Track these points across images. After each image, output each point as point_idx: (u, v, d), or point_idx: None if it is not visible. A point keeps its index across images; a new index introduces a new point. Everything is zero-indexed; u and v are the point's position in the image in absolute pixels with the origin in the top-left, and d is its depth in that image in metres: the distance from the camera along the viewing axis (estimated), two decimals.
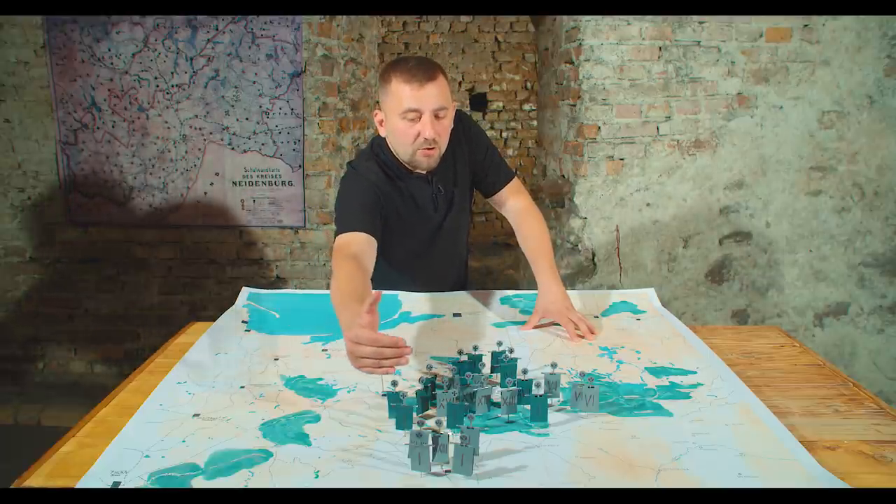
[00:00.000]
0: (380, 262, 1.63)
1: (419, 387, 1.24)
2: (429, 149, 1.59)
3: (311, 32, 3.21)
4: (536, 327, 1.65)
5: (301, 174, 3.33)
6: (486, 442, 1.11)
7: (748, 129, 3.12)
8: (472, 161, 1.80)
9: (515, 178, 1.87)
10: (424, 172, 1.69)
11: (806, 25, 3.04)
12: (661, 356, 1.47)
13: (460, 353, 1.39)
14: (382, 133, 1.66)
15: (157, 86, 3.29)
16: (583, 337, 1.58)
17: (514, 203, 1.85)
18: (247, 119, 3.30)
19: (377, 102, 1.68)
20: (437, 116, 1.56)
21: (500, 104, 6.64)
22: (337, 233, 1.63)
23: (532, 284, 1.76)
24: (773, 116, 3.11)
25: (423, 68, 1.55)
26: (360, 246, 1.55)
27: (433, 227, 1.78)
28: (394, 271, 1.82)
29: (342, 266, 1.48)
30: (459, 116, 1.76)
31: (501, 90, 6.62)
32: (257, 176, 3.35)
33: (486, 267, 5.59)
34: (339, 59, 3.33)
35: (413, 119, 1.56)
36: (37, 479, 1.04)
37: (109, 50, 3.26)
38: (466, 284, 1.98)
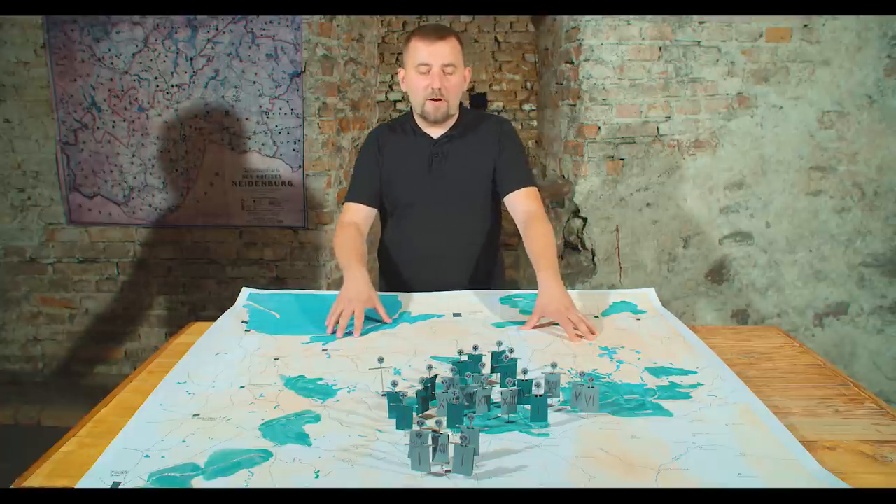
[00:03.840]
0: (390, 226, 2.00)
1: (419, 387, 1.24)
2: (435, 99, 1.82)
3: (311, 32, 3.21)
4: (536, 327, 1.65)
5: (301, 174, 3.33)
6: (486, 442, 1.11)
7: (748, 129, 3.12)
8: (497, 158, 1.92)
9: (534, 187, 1.92)
10: (433, 136, 1.90)
11: (806, 25, 3.04)
12: (661, 356, 1.47)
13: (460, 353, 1.39)
14: (403, 88, 1.91)
15: (157, 86, 3.29)
16: (582, 337, 1.58)
17: (525, 207, 1.88)
18: (247, 119, 3.30)
19: (402, 63, 1.93)
20: (445, 72, 1.80)
21: (500, 104, 6.64)
22: (346, 195, 1.97)
23: (532, 284, 1.76)
24: (773, 116, 3.11)
25: (438, 30, 1.82)
26: (358, 215, 1.93)
27: (425, 185, 1.91)
28: (399, 232, 1.98)
29: (347, 230, 1.87)
30: (502, 121, 2.00)
31: (501, 90, 6.62)
32: (257, 176, 3.34)
33: None
34: (339, 59, 3.33)
35: (424, 72, 1.80)
36: (37, 479, 1.04)
37: (109, 50, 3.26)
38: (489, 284, 1.98)
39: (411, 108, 1.94)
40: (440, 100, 1.82)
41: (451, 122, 1.92)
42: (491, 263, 2.02)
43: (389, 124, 2.01)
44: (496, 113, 6.63)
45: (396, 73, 2.00)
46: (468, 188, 1.91)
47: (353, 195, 1.95)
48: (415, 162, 1.91)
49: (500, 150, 1.92)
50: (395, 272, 1.99)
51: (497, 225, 2.02)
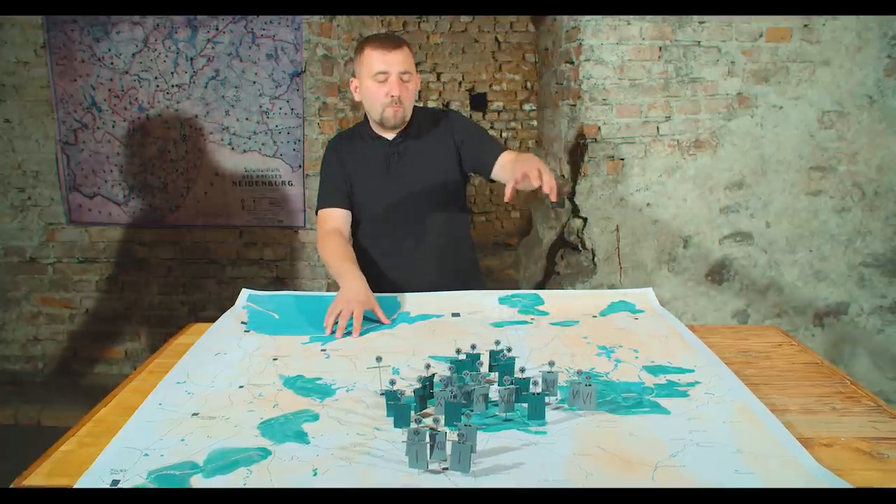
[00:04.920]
0: (360, 232, 1.99)
1: (417, 385, 1.25)
2: (395, 105, 1.85)
3: (311, 32, 3.22)
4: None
5: (301, 174, 3.33)
6: (484, 440, 1.11)
7: (748, 129, 3.12)
8: (462, 146, 1.96)
9: (507, 150, 1.92)
10: (388, 138, 1.93)
11: (806, 25, 3.04)
12: (658, 355, 1.47)
13: (458, 352, 1.39)
14: (357, 98, 1.93)
15: (157, 86, 3.30)
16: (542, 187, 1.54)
17: (508, 160, 1.86)
18: (247, 119, 3.30)
19: (353, 72, 1.95)
20: (402, 80, 1.83)
21: (500, 104, 6.64)
22: (318, 204, 1.98)
23: (530, 284, 1.76)
24: (773, 116, 3.11)
25: (392, 39, 1.85)
26: (338, 221, 1.94)
27: (385, 186, 1.93)
28: (369, 240, 1.99)
29: (331, 238, 1.88)
30: (447, 111, 2.03)
31: (501, 90, 6.62)
32: (257, 176, 3.35)
33: (487, 267, 5.59)
34: (339, 59, 3.34)
35: (382, 80, 1.83)
36: (36, 478, 1.04)
37: (109, 50, 3.27)
38: (469, 283, 1.98)
39: (365, 117, 1.97)
40: (399, 106, 1.85)
41: (405, 123, 1.95)
42: (463, 260, 2.04)
43: (346, 132, 2.06)
44: (496, 113, 6.64)
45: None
46: (428, 185, 1.94)
47: (327, 202, 1.97)
48: (373, 165, 1.94)
49: (460, 140, 1.95)
50: (367, 275, 1.91)
51: (465, 220, 2.05)
